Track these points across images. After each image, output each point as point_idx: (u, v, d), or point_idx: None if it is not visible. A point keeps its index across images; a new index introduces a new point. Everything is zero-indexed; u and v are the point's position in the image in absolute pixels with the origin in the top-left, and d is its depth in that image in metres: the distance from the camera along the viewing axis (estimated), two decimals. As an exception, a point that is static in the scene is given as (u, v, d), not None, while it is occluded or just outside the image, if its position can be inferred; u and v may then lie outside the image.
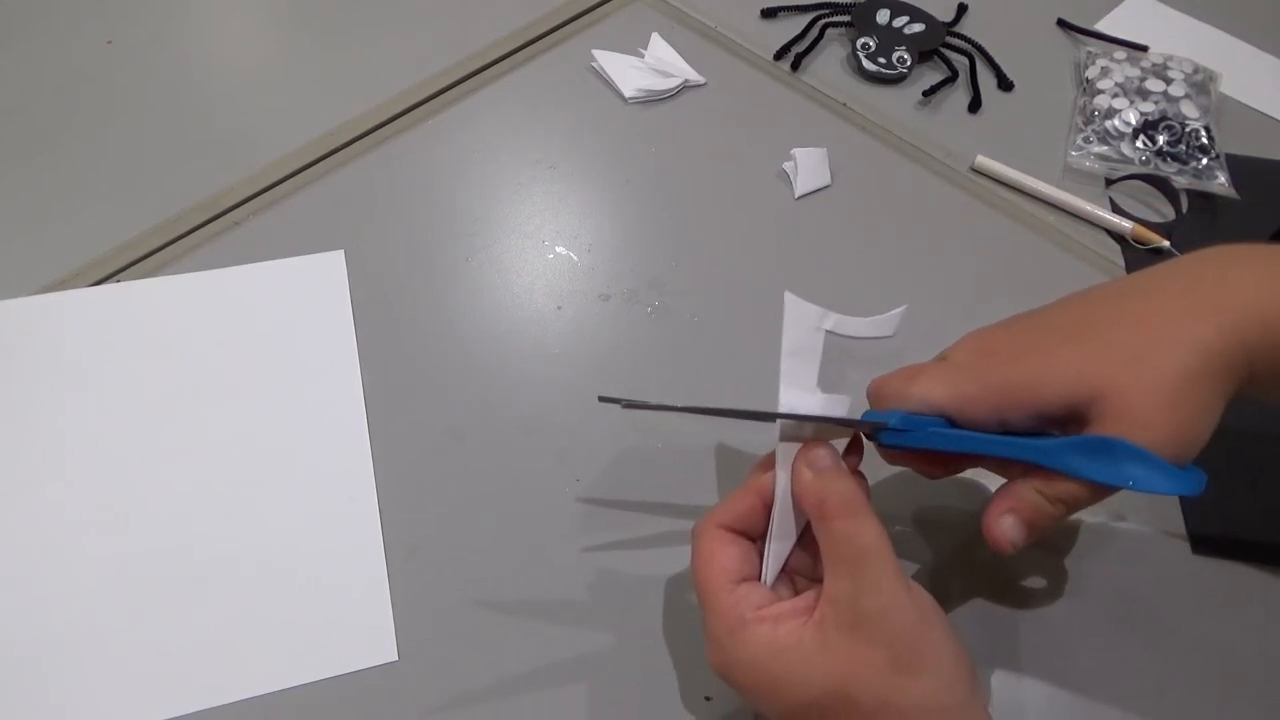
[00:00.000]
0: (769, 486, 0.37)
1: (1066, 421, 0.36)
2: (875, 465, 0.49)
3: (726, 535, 0.37)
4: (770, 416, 0.37)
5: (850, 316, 0.38)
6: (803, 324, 0.37)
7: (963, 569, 0.45)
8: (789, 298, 0.37)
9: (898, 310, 0.38)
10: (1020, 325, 0.39)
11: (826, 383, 0.37)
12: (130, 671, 0.41)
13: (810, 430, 0.37)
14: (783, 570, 0.37)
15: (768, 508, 0.37)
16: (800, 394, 0.37)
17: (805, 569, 0.38)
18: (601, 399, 0.38)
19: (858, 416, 0.38)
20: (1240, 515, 0.48)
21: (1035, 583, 0.45)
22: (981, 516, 0.37)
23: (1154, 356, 0.34)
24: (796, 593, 0.37)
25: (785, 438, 0.37)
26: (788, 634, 0.34)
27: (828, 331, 0.37)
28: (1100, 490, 0.35)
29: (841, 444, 0.38)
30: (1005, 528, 0.36)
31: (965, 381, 0.37)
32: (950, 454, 0.38)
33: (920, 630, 0.33)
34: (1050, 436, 0.36)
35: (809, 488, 0.36)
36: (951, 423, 0.37)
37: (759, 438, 0.49)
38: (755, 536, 0.38)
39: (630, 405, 0.37)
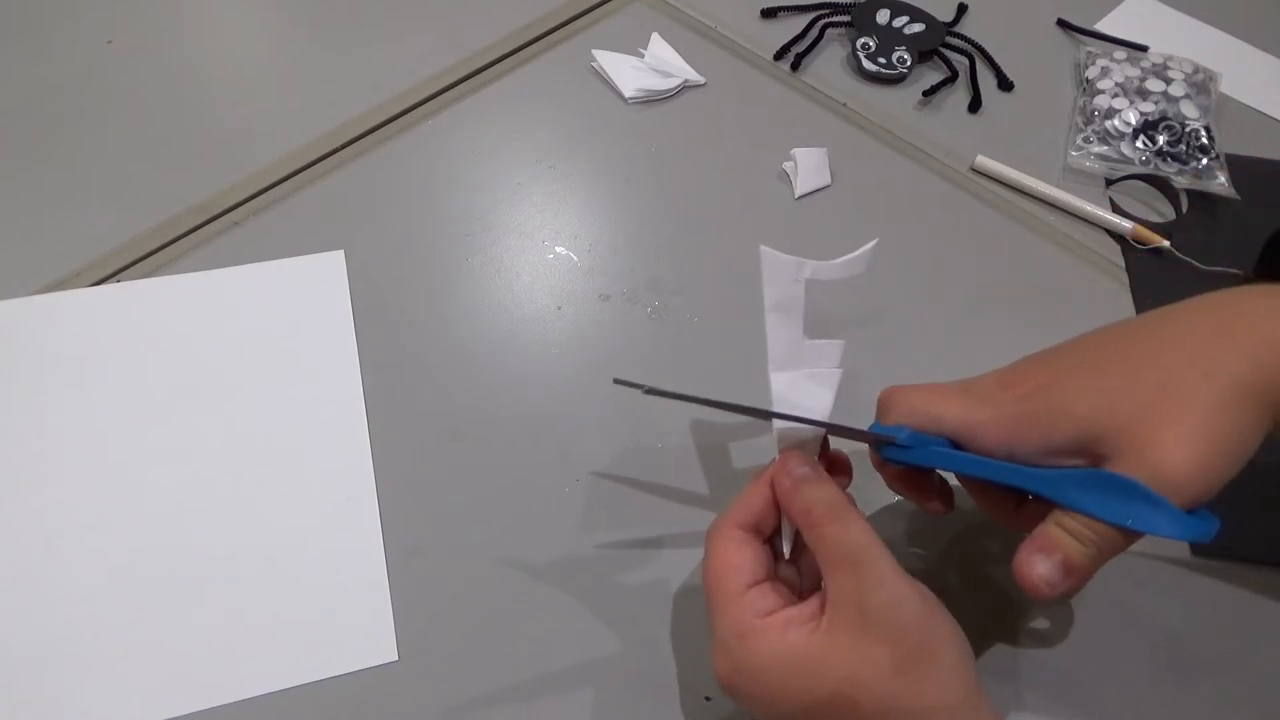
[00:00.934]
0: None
1: (1082, 457, 0.34)
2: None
3: (740, 535, 0.37)
4: (782, 417, 0.37)
5: (823, 261, 0.37)
6: (783, 277, 0.36)
7: (957, 572, 0.45)
8: (765, 252, 0.36)
9: (869, 246, 0.37)
10: (1042, 359, 0.38)
11: (812, 331, 0.37)
12: (130, 671, 0.41)
13: (810, 429, 0.37)
14: (784, 582, 0.38)
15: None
16: (788, 345, 0.37)
17: (810, 579, 0.38)
18: (617, 381, 0.39)
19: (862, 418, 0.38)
20: (1240, 517, 0.48)
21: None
22: (1013, 565, 0.35)
23: (1180, 388, 0.33)
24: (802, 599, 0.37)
25: (783, 434, 0.38)
26: (796, 640, 0.33)
27: (807, 280, 0.37)
28: (1124, 530, 0.33)
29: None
30: (1036, 566, 0.34)
31: (979, 407, 0.36)
32: (946, 487, 0.38)
33: (928, 622, 0.33)
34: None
35: (791, 498, 0.36)
36: (956, 446, 0.36)
37: (760, 438, 0.49)
38: (770, 532, 0.38)
39: (651, 392, 0.37)
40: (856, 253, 0.37)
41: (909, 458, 0.37)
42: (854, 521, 0.35)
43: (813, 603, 0.35)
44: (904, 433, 0.37)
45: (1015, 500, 0.39)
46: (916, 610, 0.33)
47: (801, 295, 0.37)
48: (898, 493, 0.41)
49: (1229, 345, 0.34)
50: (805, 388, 0.38)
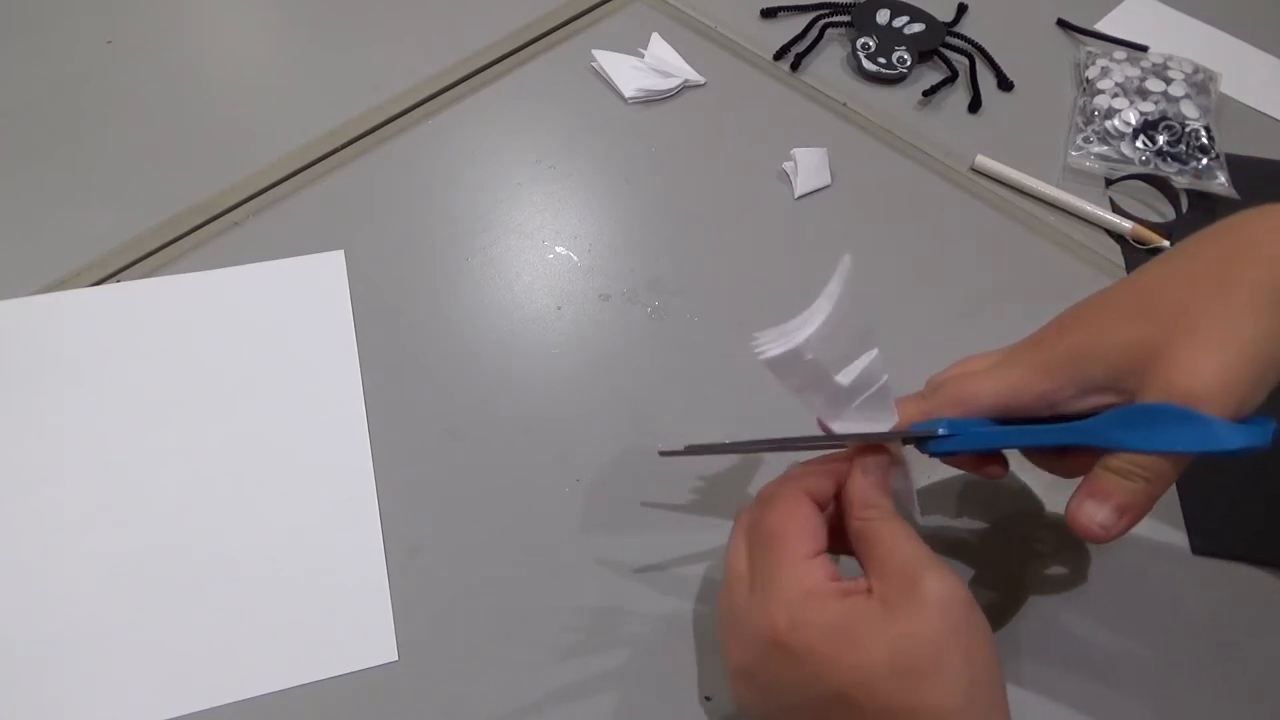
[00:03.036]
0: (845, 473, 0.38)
1: (1117, 394, 0.35)
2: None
3: (811, 504, 0.37)
4: (819, 445, 0.38)
5: (815, 322, 0.34)
6: (792, 366, 0.35)
7: (972, 561, 0.45)
8: (765, 355, 0.34)
9: (843, 269, 0.34)
10: (1072, 309, 0.38)
11: (844, 367, 0.36)
12: (130, 671, 0.41)
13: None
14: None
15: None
16: (832, 401, 0.37)
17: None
18: (662, 454, 0.39)
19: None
20: (1240, 515, 0.48)
21: (1034, 584, 0.45)
22: (1065, 513, 0.36)
23: (1200, 305, 0.33)
24: None
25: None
26: (854, 605, 0.34)
27: (814, 356, 0.34)
28: (1173, 456, 0.33)
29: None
30: (1087, 511, 0.35)
31: (1011, 370, 0.37)
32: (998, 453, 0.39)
33: (965, 611, 0.33)
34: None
35: (859, 489, 0.37)
36: (1003, 420, 0.37)
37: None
38: (823, 507, 0.38)
39: (693, 451, 0.38)
40: (835, 287, 0.34)
41: (952, 446, 0.38)
42: (899, 520, 0.36)
43: (861, 580, 0.35)
44: (942, 424, 0.37)
45: (1058, 449, 0.40)
46: (960, 593, 0.33)
47: (817, 366, 0.35)
48: (957, 468, 0.41)
49: (1243, 256, 0.34)
50: (865, 413, 0.37)
